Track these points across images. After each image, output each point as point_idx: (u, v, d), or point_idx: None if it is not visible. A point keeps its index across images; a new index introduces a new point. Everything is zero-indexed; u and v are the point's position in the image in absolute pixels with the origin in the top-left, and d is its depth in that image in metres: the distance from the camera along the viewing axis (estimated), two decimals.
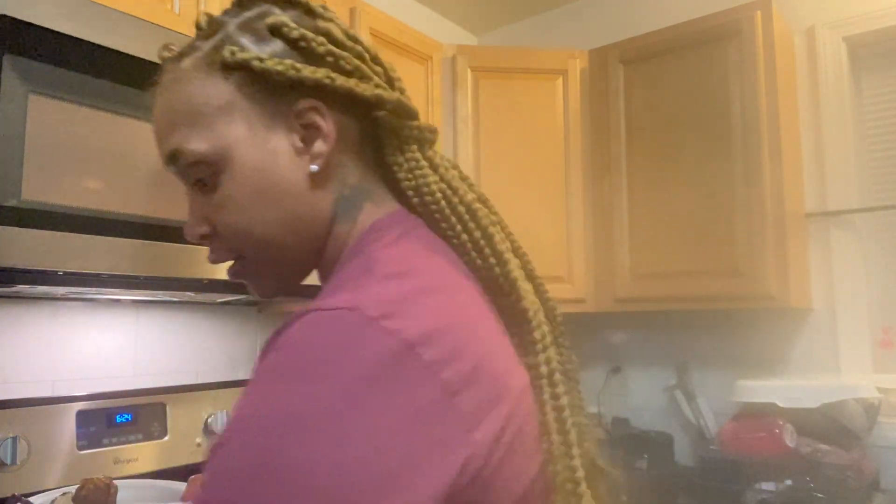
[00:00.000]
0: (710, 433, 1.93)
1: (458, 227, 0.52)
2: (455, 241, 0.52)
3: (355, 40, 0.53)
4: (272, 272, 0.55)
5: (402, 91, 0.55)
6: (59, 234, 0.99)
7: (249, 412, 0.38)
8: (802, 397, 1.64)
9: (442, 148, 1.99)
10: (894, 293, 1.86)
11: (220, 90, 0.51)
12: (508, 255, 0.52)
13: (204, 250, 1.14)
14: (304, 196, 0.52)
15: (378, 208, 0.54)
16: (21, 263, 0.95)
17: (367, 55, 0.53)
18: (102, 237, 1.04)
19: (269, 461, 0.36)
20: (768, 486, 1.62)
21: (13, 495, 1.16)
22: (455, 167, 0.56)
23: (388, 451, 0.37)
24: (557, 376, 0.49)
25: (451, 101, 2.02)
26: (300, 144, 0.51)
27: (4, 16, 0.95)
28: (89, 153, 1.04)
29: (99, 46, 1.06)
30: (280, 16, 0.52)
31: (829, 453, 1.63)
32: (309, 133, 0.51)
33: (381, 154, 0.55)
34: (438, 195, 0.52)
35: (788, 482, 1.60)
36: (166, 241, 1.13)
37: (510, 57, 2.05)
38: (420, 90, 1.95)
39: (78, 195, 1.02)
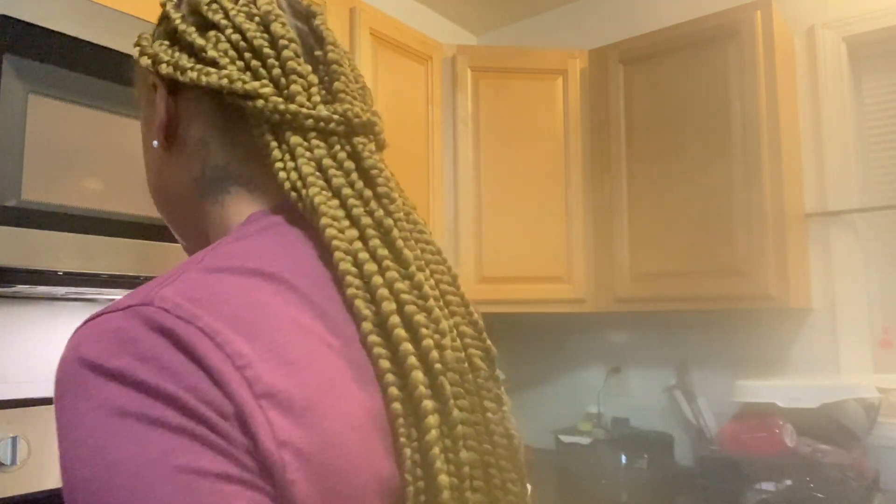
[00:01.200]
0: (710, 433, 1.93)
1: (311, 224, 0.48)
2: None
3: (226, 17, 0.51)
4: (179, 241, 0.58)
5: (284, 66, 0.50)
6: (59, 234, 0.99)
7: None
8: (802, 397, 1.64)
9: (441, 148, 1.99)
10: (894, 293, 1.86)
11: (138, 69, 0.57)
12: (343, 267, 0.45)
13: None
14: (161, 169, 0.55)
15: (254, 197, 0.51)
16: (21, 263, 0.95)
17: (240, 35, 0.50)
18: (102, 237, 1.04)
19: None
20: (768, 486, 1.62)
21: None
22: (346, 163, 0.49)
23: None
24: (426, 404, 0.43)
25: (451, 101, 2.02)
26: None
27: (4, 16, 0.95)
28: (89, 153, 1.04)
29: (99, 46, 1.06)
30: (179, 5, 0.54)
31: (829, 453, 1.63)
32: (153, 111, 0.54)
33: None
34: (287, 186, 0.48)
35: (788, 482, 1.60)
36: (166, 241, 1.13)
37: (510, 57, 2.05)
38: (420, 90, 1.95)
39: (78, 195, 1.02)
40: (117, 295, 1.34)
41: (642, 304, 1.92)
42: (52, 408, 1.30)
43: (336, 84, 0.51)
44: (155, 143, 0.54)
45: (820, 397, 1.63)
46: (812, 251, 1.93)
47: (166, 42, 0.53)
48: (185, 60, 0.50)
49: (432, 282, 0.48)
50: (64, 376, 0.38)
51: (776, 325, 1.97)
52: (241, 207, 0.52)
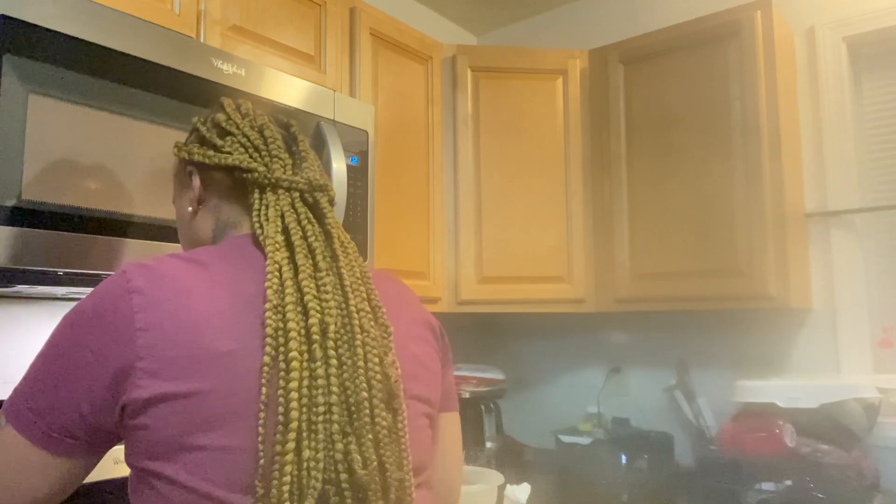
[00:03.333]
0: (710, 433, 1.93)
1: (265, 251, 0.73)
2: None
3: (237, 128, 0.79)
4: None
5: (271, 154, 0.78)
6: (59, 234, 0.99)
7: None
8: (802, 397, 1.64)
9: (441, 148, 1.99)
10: (894, 293, 1.86)
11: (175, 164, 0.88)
12: (269, 269, 0.69)
13: None
14: (190, 225, 0.84)
15: (239, 233, 0.79)
16: (21, 263, 0.95)
17: (245, 137, 0.79)
18: (102, 237, 1.04)
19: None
20: (768, 486, 1.62)
21: None
22: (300, 208, 0.76)
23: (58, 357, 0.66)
24: (294, 363, 0.64)
25: (451, 101, 2.02)
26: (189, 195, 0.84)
27: (4, 16, 0.95)
28: (89, 153, 1.04)
29: (99, 46, 1.06)
30: (210, 116, 0.83)
31: (829, 453, 1.63)
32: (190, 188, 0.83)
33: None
34: (256, 223, 0.75)
35: (788, 482, 1.60)
36: (166, 242, 1.13)
37: (510, 57, 2.05)
38: (420, 90, 1.95)
39: (78, 195, 1.02)
40: None
41: (642, 304, 1.92)
42: None
43: (304, 164, 0.80)
44: (189, 209, 0.83)
45: (820, 397, 1.63)
46: (812, 251, 1.93)
47: (197, 144, 0.82)
48: (210, 152, 0.79)
49: (346, 278, 0.72)
50: None
51: (776, 325, 1.97)
52: None
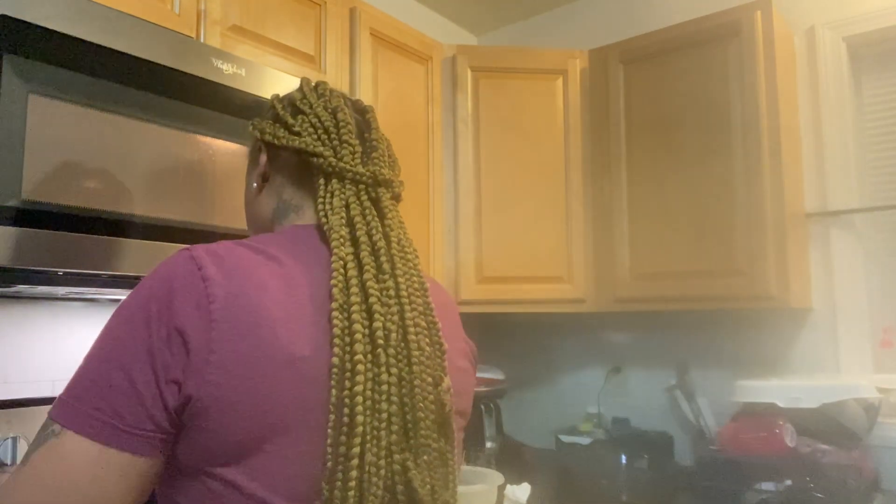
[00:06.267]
0: (710, 433, 1.93)
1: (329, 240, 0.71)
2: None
3: (310, 108, 0.77)
4: None
5: (341, 139, 0.75)
6: (59, 234, 0.99)
7: None
8: (802, 397, 1.64)
9: (442, 148, 1.99)
10: (894, 293, 1.86)
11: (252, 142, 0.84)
12: (334, 266, 0.67)
13: None
14: (253, 203, 0.82)
15: (300, 219, 0.77)
16: (21, 263, 0.95)
17: (317, 118, 0.76)
18: (102, 237, 1.04)
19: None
20: (768, 486, 1.61)
21: None
22: (364, 202, 0.73)
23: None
24: (359, 366, 0.62)
25: (451, 101, 2.02)
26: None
27: (4, 16, 0.95)
28: (89, 153, 1.04)
29: (99, 46, 1.06)
30: (286, 95, 0.81)
31: (829, 453, 1.63)
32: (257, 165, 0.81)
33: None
34: (321, 212, 0.72)
35: (788, 482, 1.60)
36: (166, 241, 1.13)
37: (510, 57, 2.05)
38: (420, 90, 1.95)
39: (78, 195, 1.02)
40: (118, 295, 1.34)
41: (642, 304, 1.92)
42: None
43: (373, 154, 0.77)
44: (254, 184, 0.81)
45: (820, 397, 1.63)
46: (812, 251, 1.93)
47: (270, 121, 0.79)
48: (280, 132, 0.77)
49: (403, 287, 0.69)
50: None
51: (776, 325, 1.97)
52: (289, 225, 0.78)
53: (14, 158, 0.95)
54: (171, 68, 1.15)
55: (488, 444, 2.06)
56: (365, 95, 1.73)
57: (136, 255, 1.09)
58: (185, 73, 1.17)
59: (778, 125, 1.73)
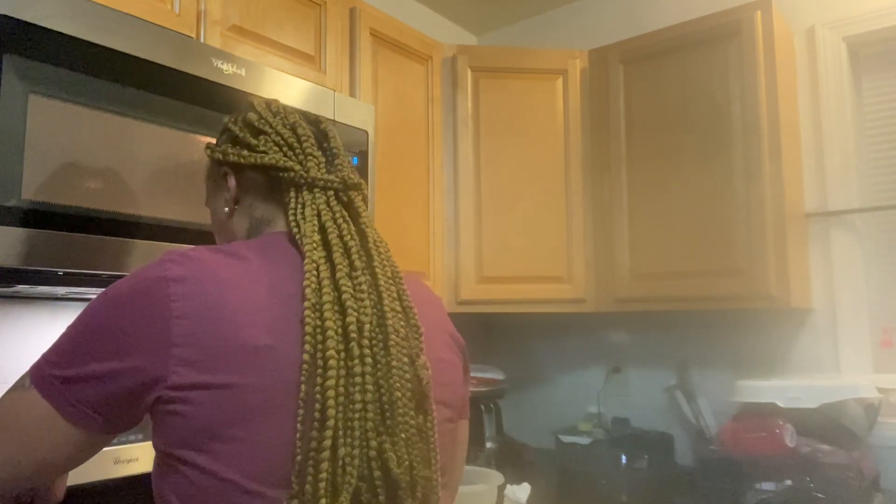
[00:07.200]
0: (710, 433, 1.93)
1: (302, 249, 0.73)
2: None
3: (270, 126, 0.79)
4: None
5: (305, 152, 0.79)
6: (59, 234, 0.99)
7: None
8: (802, 397, 1.64)
9: (442, 148, 1.99)
10: (894, 293, 1.86)
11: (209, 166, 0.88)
12: (307, 268, 0.70)
13: None
14: (225, 225, 0.85)
15: (273, 230, 0.80)
16: (21, 263, 0.95)
17: (279, 136, 0.79)
18: (103, 237, 1.04)
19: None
20: (768, 486, 1.62)
21: None
22: (335, 207, 0.77)
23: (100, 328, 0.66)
24: (331, 361, 0.64)
25: (451, 101, 2.02)
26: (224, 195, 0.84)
27: (4, 16, 0.95)
28: (89, 153, 1.04)
29: (99, 46, 1.06)
30: (241, 116, 0.83)
31: (829, 453, 1.63)
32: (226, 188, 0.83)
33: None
34: (292, 222, 0.75)
35: (788, 482, 1.60)
36: (166, 242, 1.13)
37: (510, 57, 2.05)
38: (420, 90, 1.95)
39: (78, 195, 1.02)
40: None
41: (642, 304, 1.92)
42: None
43: (336, 161, 0.81)
44: (226, 209, 0.83)
45: (820, 397, 1.63)
46: (812, 251, 1.93)
47: (229, 144, 0.82)
48: (245, 152, 0.79)
49: (380, 277, 0.73)
50: None
51: (776, 325, 1.97)
52: None
53: (14, 158, 0.95)
54: (171, 68, 1.15)
55: (488, 444, 2.06)
56: (365, 95, 1.73)
57: (136, 256, 1.09)
58: (185, 73, 1.17)
59: (778, 125, 1.73)
